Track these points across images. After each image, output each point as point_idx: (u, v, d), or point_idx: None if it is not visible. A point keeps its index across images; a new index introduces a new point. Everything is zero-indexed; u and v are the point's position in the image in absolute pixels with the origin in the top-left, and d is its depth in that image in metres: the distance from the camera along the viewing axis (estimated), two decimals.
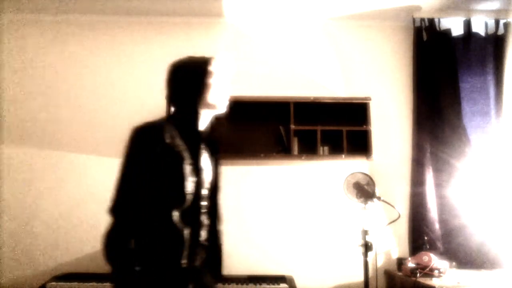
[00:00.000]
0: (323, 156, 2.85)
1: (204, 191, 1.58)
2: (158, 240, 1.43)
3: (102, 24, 3.13)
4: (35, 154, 2.95)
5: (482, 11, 3.06)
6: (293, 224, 2.92)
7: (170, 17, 3.13)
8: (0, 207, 2.87)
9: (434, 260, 2.47)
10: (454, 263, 2.66)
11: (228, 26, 3.15)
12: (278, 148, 2.93)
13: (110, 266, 1.39)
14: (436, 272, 2.42)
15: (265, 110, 2.94)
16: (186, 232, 1.45)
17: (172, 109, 1.66)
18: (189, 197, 1.48)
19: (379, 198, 2.31)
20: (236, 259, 2.82)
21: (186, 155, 1.50)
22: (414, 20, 3.07)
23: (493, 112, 2.96)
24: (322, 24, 3.18)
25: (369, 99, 2.88)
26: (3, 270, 2.80)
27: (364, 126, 2.84)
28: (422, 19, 3.06)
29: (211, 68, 1.65)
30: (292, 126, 2.80)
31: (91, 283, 2.38)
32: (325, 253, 2.88)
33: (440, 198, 2.86)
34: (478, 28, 3.08)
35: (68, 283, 2.42)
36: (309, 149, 2.88)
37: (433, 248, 2.71)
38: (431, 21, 3.06)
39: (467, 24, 3.05)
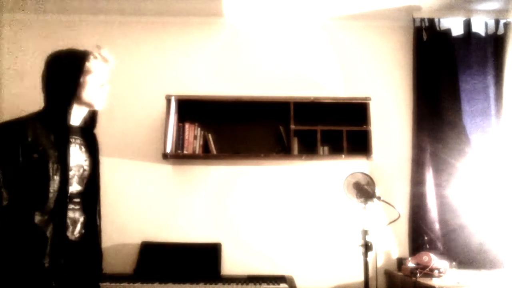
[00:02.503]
0: (323, 156, 2.85)
1: (75, 187, 1.55)
2: (19, 240, 1.41)
3: (101, 24, 3.13)
4: None
5: (482, 11, 3.06)
6: (293, 224, 2.92)
7: (170, 17, 3.13)
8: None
9: (434, 260, 2.47)
10: (454, 263, 2.66)
11: (228, 26, 3.15)
12: (278, 148, 2.93)
13: None
14: (436, 272, 2.42)
15: (265, 110, 2.94)
16: (49, 232, 1.43)
17: (43, 102, 1.61)
18: (52, 196, 1.45)
19: (379, 198, 2.31)
20: (236, 259, 2.82)
21: (51, 152, 1.47)
22: (414, 20, 3.07)
23: (493, 112, 2.95)
24: (322, 24, 3.18)
25: (369, 99, 2.88)
26: None
27: (364, 126, 2.84)
28: (422, 19, 3.06)
29: (88, 64, 1.58)
30: (292, 126, 2.80)
31: None
32: (325, 253, 2.88)
33: (440, 198, 2.86)
34: (478, 28, 3.08)
35: None
36: (309, 149, 2.88)
37: (433, 248, 2.71)
38: (431, 21, 3.06)
39: (467, 24, 3.05)
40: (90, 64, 1.59)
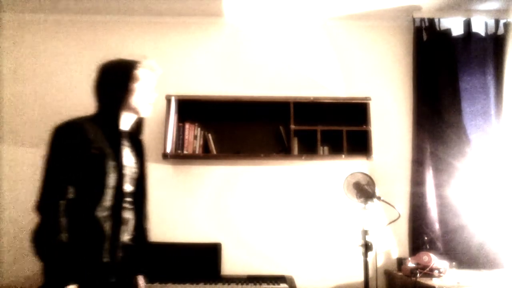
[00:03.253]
0: (323, 156, 2.85)
1: (128, 187, 1.62)
2: (80, 235, 1.46)
3: (101, 24, 3.13)
4: (35, 154, 2.95)
5: (482, 11, 3.06)
6: (293, 224, 2.92)
7: (169, 17, 3.13)
8: (0, 207, 2.87)
9: (434, 260, 2.47)
10: (454, 263, 2.66)
11: (228, 26, 3.16)
12: (278, 148, 2.93)
13: (40, 261, 1.45)
14: (436, 272, 2.42)
15: (265, 110, 2.94)
16: (108, 227, 1.50)
17: (96, 107, 1.69)
18: (110, 192, 1.52)
19: (379, 198, 2.31)
20: (236, 259, 2.82)
21: (108, 151, 1.54)
22: (414, 20, 3.07)
23: (493, 112, 2.95)
24: (322, 24, 3.18)
25: (369, 99, 2.88)
26: (3, 270, 2.80)
27: (364, 126, 2.84)
28: (422, 19, 3.06)
29: (137, 73, 1.68)
30: (292, 126, 2.80)
31: None
32: (325, 253, 2.88)
33: (440, 198, 2.86)
34: (478, 28, 3.08)
35: None
36: (309, 149, 2.88)
37: (433, 248, 2.71)
38: (431, 21, 3.06)
39: (467, 24, 3.05)
40: (138, 72, 1.69)
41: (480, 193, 2.81)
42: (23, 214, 2.87)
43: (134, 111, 1.70)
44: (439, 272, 2.42)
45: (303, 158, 2.85)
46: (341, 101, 2.91)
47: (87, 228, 1.48)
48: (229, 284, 2.42)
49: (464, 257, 2.74)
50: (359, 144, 2.83)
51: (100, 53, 3.10)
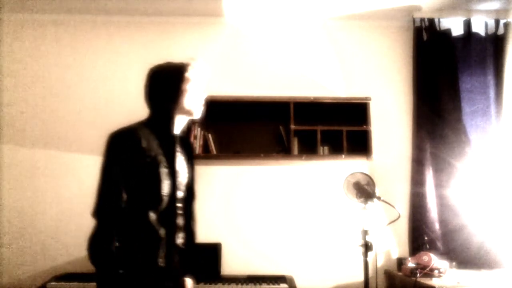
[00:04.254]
0: (323, 156, 2.85)
1: (180, 193, 1.62)
2: (136, 241, 1.48)
3: (101, 24, 3.13)
4: (35, 154, 2.95)
5: (482, 11, 3.06)
6: (293, 224, 2.92)
7: (170, 17, 3.13)
8: (0, 207, 2.87)
9: (434, 260, 2.47)
10: (454, 263, 2.66)
11: (228, 26, 3.15)
12: (278, 148, 2.93)
13: (94, 267, 1.44)
14: (436, 272, 2.42)
15: (265, 110, 2.94)
16: (163, 232, 1.51)
17: (149, 112, 1.69)
18: (165, 199, 1.53)
19: (379, 198, 2.31)
20: (236, 259, 2.82)
21: (162, 158, 1.55)
22: (414, 20, 3.07)
23: (493, 112, 2.96)
24: (322, 24, 3.18)
25: (369, 99, 2.88)
26: (3, 270, 2.80)
27: (364, 126, 2.84)
28: (422, 19, 3.06)
29: (187, 74, 1.70)
30: (292, 126, 2.80)
31: (91, 283, 2.38)
32: (325, 253, 2.88)
33: (440, 198, 2.86)
34: (478, 28, 3.08)
35: (68, 283, 2.42)
36: (309, 149, 2.88)
37: (433, 248, 2.71)
38: (431, 21, 3.06)
39: (467, 24, 3.05)
40: (189, 73, 1.71)
41: (480, 193, 2.81)
42: (23, 214, 2.87)
43: (187, 113, 1.71)
44: (439, 272, 2.42)
45: (303, 158, 2.85)
46: (341, 101, 2.91)
47: (143, 234, 1.49)
48: (229, 284, 2.42)
49: (464, 257, 2.74)
50: (359, 144, 2.83)
51: (101, 53, 3.11)
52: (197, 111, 1.75)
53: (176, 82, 1.68)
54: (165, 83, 1.68)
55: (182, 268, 1.65)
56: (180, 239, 1.62)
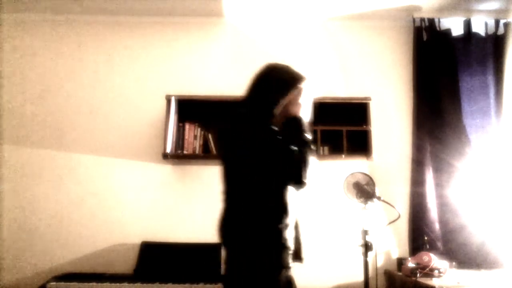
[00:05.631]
0: (323, 156, 2.85)
1: None
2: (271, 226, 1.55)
3: (101, 24, 3.13)
4: (35, 154, 2.95)
5: (482, 11, 3.06)
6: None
7: (170, 17, 3.13)
8: (0, 207, 2.87)
9: (434, 260, 2.47)
10: (454, 263, 2.66)
11: (228, 26, 3.15)
12: None
13: (226, 248, 1.57)
14: (436, 272, 2.42)
15: None
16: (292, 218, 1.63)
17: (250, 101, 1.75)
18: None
19: (379, 198, 2.31)
20: None
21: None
22: (414, 20, 3.07)
23: (493, 112, 2.96)
24: (322, 24, 3.18)
25: (369, 99, 2.88)
26: (3, 270, 2.80)
27: (364, 126, 2.84)
28: (422, 19, 3.06)
29: (299, 85, 1.74)
30: None
31: (91, 283, 2.38)
32: (325, 253, 2.88)
33: (440, 198, 2.86)
34: (478, 28, 3.08)
35: (68, 283, 2.42)
36: None
37: (433, 248, 2.71)
38: (431, 21, 3.06)
39: (467, 24, 3.05)
40: (300, 85, 1.75)
41: (480, 193, 2.81)
42: (23, 214, 2.87)
43: (284, 117, 1.71)
44: (439, 272, 2.42)
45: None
46: (341, 101, 2.91)
47: (277, 218, 1.58)
48: None
49: (464, 257, 2.74)
50: (359, 144, 2.82)
51: (101, 53, 3.11)
52: (299, 113, 1.75)
53: (288, 87, 1.72)
54: (279, 83, 1.73)
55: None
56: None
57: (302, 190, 1.61)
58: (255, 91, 1.75)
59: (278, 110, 1.67)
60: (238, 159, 1.62)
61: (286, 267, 1.57)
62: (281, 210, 1.57)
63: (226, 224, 1.61)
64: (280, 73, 1.78)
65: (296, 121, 1.70)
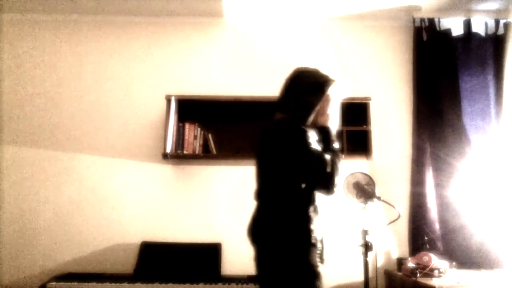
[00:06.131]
0: None
1: None
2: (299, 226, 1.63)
3: (101, 24, 3.13)
4: (35, 154, 2.95)
5: (482, 11, 3.06)
6: None
7: (170, 17, 3.13)
8: (0, 207, 2.87)
9: (434, 260, 2.47)
10: (454, 263, 2.66)
11: (228, 26, 3.16)
12: None
13: (258, 247, 1.63)
14: (436, 272, 2.42)
15: (265, 110, 2.93)
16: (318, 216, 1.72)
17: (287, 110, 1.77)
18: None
19: (379, 198, 2.31)
20: (237, 259, 2.81)
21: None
22: (414, 20, 3.07)
23: (493, 112, 2.96)
24: (322, 24, 3.18)
25: (369, 99, 2.88)
26: (3, 270, 2.80)
27: (364, 126, 2.84)
28: (422, 19, 3.06)
29: (329, 89, 1.75)
30: None
31: (91, 283, 2.38)
32: (325, 253, 2.87)
33: (440, 198, 2.86)
34: (478, 28, 3.08)
35: (68, 283, 2.42)
36: None
37: (433, 248, 2.71)
38: (431, 21, 3.06)
39: (467, 24, 3.05)
40: (332, 88, 1.77)
41: (480, 193, 2.81)
42: (23, 214, 2.87)
43: (316, 124, 1.74)
44: (439, 272, 2.42)
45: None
46: (341, 101, 2.90)
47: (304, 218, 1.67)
48: (229, 284, 2.42)
49: (464, 257, 2.74)
50: (359, 144, 2.82)
51: (101, 53, 3.11)
52: (328, 123, 1.78)
53: (320, 92, 1.73)
54: (313, 88, 1.75)
55: None
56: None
57: (329, 196, 1.70)
58: (289, 96, 1.79)
59: (312, 116, 1.71)
60: (275, 162, 1.66)
61: (315, 266, 1.64)
62: (312, 211, 1.67)
63: (259, 223, 1.67)
64: (311, 76, 1.79)
65: (325, 131, 1.72)
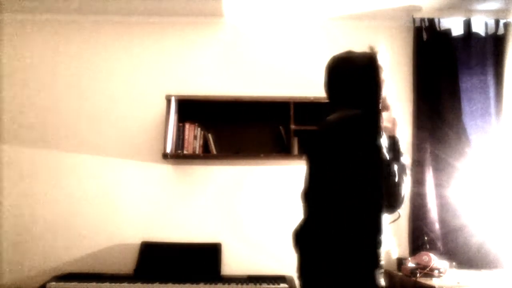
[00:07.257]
0: None
1: None
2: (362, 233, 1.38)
3: (101, 24, 3.13)
4: (35, 154, 2.95)
5: (482, 11, 3.06)
6: (293, 224, 2.91)
7: (170, 17, 3.13)
8: (0, 207, 2.87)
9: (434, 260, 2.47)
10: (454, 263, 2.66)
11: (228, 26, 3.15)
12: (278, 148, 2.93)
13: (309, 260, 1.44)
14: (436, 272, 2.42)
15: (265, 110, 2.94)
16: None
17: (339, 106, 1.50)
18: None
19: None
20: (236, 259, 2.82)
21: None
22: (414, 20, 3.07)
23: (493, 112, 2.95)
24: (322, 24, 3.18)
25: None
26: (3, 270, 2.80)
27: None
28: (422, 19, 3.06)
29: (379, 63, 1.47)
30: (292, 126, 2.79)
31: (91, 283, 2.38)
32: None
33: (440, 198, 2.86)
34: (478, 28, 3.07)
35: (68, 283, 2.42)
36: None
37: (433, 248, 2.71)
38: (431, 21, 3.06)
39: (467, 24, 3.05)
40: (380, 61, 1.47)
41: (480, 193, 2.81)
42: (23, 214, 2.87)
43: (386, 108, 1.51)
44: (439, 272, 2.42)
45: (303, 158, 2.83)
46: None
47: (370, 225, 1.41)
48: (229, 284, 2.42)
49: (464, 257, 2.74)
50: None
51: (101, 53, 3.11)
52: (396, 131, 1.56)
53: (376, 72, 1.44)
54: (366, 74, 1.46)
55: None
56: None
57: (389, 214, 1.46)
58: (339, 90, 1.56)
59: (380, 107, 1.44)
60: (338, 172, 1.40)
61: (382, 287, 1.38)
62: (376, 227, 1.39)
63: (312, 235, 1.48)
64: (356, 63, 1.52)
65: (393, 142, 1.50)
